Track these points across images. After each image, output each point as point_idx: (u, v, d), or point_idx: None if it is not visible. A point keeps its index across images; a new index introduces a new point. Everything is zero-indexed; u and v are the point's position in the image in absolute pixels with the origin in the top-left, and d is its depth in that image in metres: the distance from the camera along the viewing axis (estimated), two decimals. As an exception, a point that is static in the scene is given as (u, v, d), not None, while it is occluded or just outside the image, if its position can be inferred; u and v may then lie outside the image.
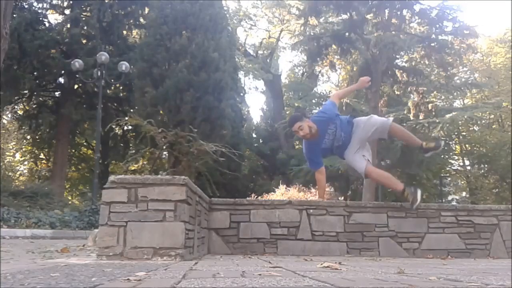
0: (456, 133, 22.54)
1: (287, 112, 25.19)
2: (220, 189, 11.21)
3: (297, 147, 25.42)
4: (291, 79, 29.85)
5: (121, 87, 17.51)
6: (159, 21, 14.51)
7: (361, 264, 2.56)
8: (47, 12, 17.61)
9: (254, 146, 23.69)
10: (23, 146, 22.19)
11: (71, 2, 17.27)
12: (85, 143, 22.30)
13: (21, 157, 23.45)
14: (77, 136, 20.22)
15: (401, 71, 15.65)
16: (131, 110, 15.52)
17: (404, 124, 17.92)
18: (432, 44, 14.84)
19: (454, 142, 23.81)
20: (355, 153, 3.82)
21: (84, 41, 16.48)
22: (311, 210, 3.87)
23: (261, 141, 24.39)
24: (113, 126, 11.58)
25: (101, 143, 13.66)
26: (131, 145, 19.32)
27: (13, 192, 11.42)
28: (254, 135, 25.54)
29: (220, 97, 14.29)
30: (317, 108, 26.45)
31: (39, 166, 22.19)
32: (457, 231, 3.99)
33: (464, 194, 27.38)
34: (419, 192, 3.75)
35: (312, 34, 16.42)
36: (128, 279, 1.43)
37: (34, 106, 18.11)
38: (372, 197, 14.01)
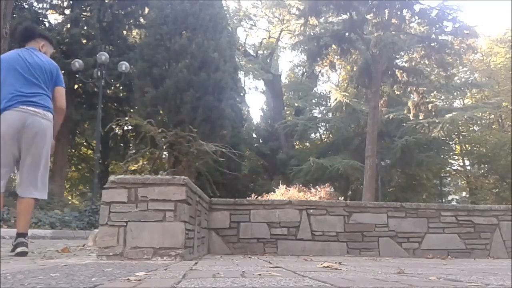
0: (456, 133, 22.56)
1: (287, 112, 25.19)
2: (220, 189, 11.22)
3: (297, 147, 25.44)
4: (291, 79, 29.84)
5: (121, 87, 17.50)
6: (159, 21, 14.52)
7: (361, 264, 2.56)
8: (47, 12, 17.61)
9: (254, 146, 23.69)
10: (23, 146, 22.12)
11: (71, 2, 17.25)
12: (85, 143, 22.26)
13: (21, 157, 23.39)
14: (77, 136, 20.16)
15: (401, 71, 15.65)
16: (131, 110, 15.52)
17: (404, 124, 17.99)
18: (432, 44, 14.83)
19: (454, 142, 23.81)
20: None
21: (84, 41, 16.47)
22: (311, 210, 3.87)
23: (261, 141, 24.38)
24: (113, 126, 11.56)
25: (101, 143, 13.63)
26: (131, 145, 19.29)
27: (13, 192, 11.39)
28: (254, 135, 25.54)
29: (220, 97, 14.30)
30: (317, 108, 26.46)
31: (39, 166, 22.10)
32: (457, 231, 4.00)
33: (464, 194, 27.38)
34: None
35: (312, 34, 16.42)
36: (128, 279, 1.43)
37: (34, 106, 18.07)
38: (372, 197, 14.00)
